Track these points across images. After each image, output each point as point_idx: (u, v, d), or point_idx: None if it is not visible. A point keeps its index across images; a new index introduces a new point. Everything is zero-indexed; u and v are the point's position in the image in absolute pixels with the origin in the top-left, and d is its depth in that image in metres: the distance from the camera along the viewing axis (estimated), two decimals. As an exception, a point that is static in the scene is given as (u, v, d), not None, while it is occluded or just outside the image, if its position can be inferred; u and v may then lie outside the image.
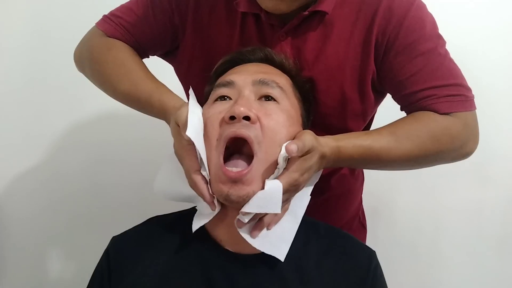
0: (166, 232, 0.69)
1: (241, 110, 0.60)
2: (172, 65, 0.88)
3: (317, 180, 0.70)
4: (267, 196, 0.59)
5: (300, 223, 0.68)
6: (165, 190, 0.72)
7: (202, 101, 0.71)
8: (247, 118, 0.60)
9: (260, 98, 0.65)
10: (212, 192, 0.61)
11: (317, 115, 0.76)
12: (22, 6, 1.26)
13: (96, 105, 1.28)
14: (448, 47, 0.75)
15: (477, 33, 1.30)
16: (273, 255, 0.62)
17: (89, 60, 0.81)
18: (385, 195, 1.36)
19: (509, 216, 1.36)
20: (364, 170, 0.96)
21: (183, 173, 0.64)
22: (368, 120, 0.82)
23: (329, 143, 0.65)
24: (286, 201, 0.63)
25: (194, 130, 0.61)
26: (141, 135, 1.29)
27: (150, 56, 0.87)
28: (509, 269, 1.38)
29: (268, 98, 0.65)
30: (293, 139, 0.62)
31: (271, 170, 0.61)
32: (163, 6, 0.80)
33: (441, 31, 0.75)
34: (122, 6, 0.84)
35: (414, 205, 1.37)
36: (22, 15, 1.26)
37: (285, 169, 0.61)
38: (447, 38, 0.75)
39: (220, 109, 0.64)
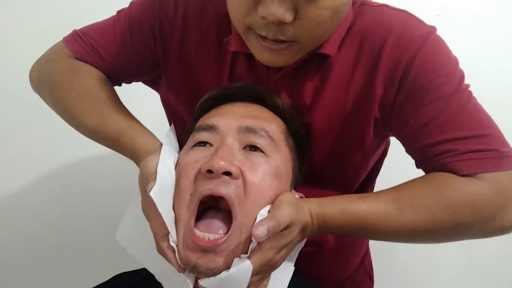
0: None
1: (221, 164, 0.50)
2: (158, 92, 0.78)
3: (301, 247, 0.61)
4: (232, 277, 0.50)
5: (289, 283, 0.59)
6: (129, 243, 0.62)
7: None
8: (227, 173, 0.51)
9: (245, 147, 0.55)
10: (179, 259, 0.52)
11: (311, 166, 0.66)
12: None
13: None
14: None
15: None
16: None
17: (49, 84, 0.69)
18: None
19: (502, 244, 1.29)
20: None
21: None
22: (371, 166, 0.72)
23: (312, 209, 0.56)
24: (260, 280, 0.55)
25: (161, 189, 0.52)
26: (115, 163, 1.18)
27: (122, 84, 0.76)
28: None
29: (254, 148, 0.55)
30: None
31: (248, 240, 0.52)
32: (144, 33, 0.69)
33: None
34: (95, 25, 0.72)
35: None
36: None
37: (259, 244, 0.51)
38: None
39: (198, 157, 0.54)
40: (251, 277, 0.50)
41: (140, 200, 0.59)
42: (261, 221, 0.50)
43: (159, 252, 0.54)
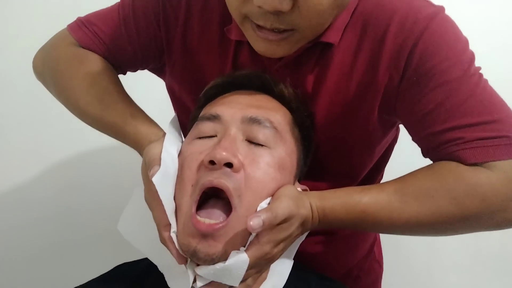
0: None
1: (223, 155, 0.49)
2: (164, 81, 0.76)
3: (302, 240, 0.60)
4: (227, 269, 0.49)
5: (290, 274, 0.58)
6: (131, 233, 0.61)
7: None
8: (229, 164, 0.50)
9: (249, 140, 0.54)
10: (179, 246, 0.51)
11: (315, 157, 0.64)
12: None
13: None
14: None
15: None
16: None
17: (53, 71, 0.69)
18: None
19: (506, 236, 1.27)
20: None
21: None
22: (379, 155, 0.70)
23: (313, 203, 0.54)
24: (258, 273, 0.54)
25: (164, 176, 0.52)
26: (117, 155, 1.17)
27: (128, 72, 0.75)
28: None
29: (258, 143, 0.54)
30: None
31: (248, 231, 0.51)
32: (148, 19, 0.67)
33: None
34: (99, 13, 0.71)
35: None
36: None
37: (256, 237, 0.50)
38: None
39: (201, 149, 0.54)
40: (247, 270, 0.50)
41: (142, 191, 0.58)
42: (257, 212, 0.49)
43: (161, 242, 0.53)
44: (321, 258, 0.71)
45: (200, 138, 0.56)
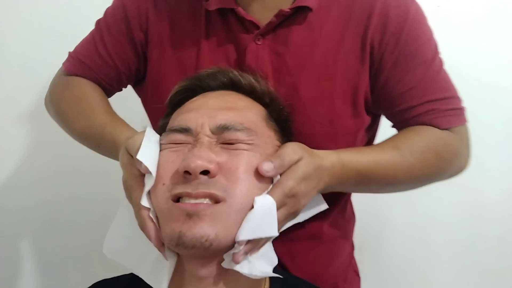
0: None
1: (198, 163, 0.47)
2: (140, 96, 0.78)
3: (318, 211, 0.62)
4: (256, 217, 0.48)
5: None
6: (117, 252, 0.59)
7: None
8: (205, 172, 0.48)
9: (222, 143, 0.52)
10: (162, 238, 0.50)
11: (301, 138, 0.61)
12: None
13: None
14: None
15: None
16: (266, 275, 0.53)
17: (50, 101, 0.76)
18: (373, 227, 1.25)
19: (504, 249, 1.27)
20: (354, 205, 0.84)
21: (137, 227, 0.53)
22: (365, 140, 0.72)
23: (329, 155, 0.57)
24: (285, 220, 0.53)
25: (148, 155, 0.51)
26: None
27: (121, 89, 0.79)
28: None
29: (232, 142, 0.52)
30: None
31: (243, 214, 0.49)
32: (120, 29, 0.71)
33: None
34: (82, 40, 0.77)
35: (404, 239, 1.27)
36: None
37: (274, 185, 0.51)
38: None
39: (173, 158, 0.52)
40: (278, 210, 0.49)
41: (125, 209, 0.57)
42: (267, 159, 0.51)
43: (140, 226, 0.52)
44: (310, 267, 0.71)
45: (171, 148, 0.54)
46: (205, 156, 0.49)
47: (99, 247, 0.59)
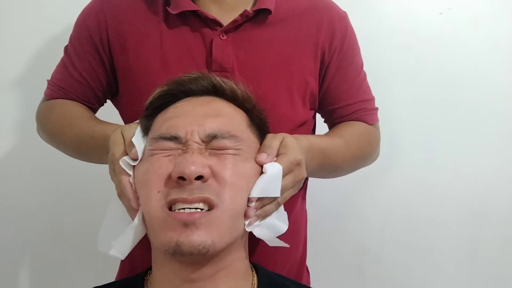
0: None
1: (192, 170, 0.49)
2: (118, 109, 0.82)
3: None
4: (268, 178, 0.55)
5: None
6: (108, 244, 0.60)
7: None
8: (199, 177, 0.50)
9: (212, 149, 0.55)
10: (157, 246, 0.52)
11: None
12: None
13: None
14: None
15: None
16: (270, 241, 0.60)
17: (39, 127, 0.81)
18: (373, 231, 1.25)
19: (506, 255, 1.26)
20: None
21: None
22: None
23: (299, 136, 0.64)
24: (293, 186, 0.60)
25: (138, 144, 0.57)
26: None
27: (103, 104, 0.84)
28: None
29: (221, 149, 0.55)
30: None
31: (237, 220, 0.53)
32: (85, 49, 0.76)
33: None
34: (56, 66, 0.82)
35: (405, 243, 1.26)
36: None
37: (278, 157, 0.58)
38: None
39: (166, 163, 0.53)
40: (285, 176, 0.57)
41: (115, 205, 0.59)
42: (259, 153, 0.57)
43: (111, 173, 0.57)
44: (273, 258, 0.74)
45: (161, 154, 0.55)
46: (198, 162, 0.51)
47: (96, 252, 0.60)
